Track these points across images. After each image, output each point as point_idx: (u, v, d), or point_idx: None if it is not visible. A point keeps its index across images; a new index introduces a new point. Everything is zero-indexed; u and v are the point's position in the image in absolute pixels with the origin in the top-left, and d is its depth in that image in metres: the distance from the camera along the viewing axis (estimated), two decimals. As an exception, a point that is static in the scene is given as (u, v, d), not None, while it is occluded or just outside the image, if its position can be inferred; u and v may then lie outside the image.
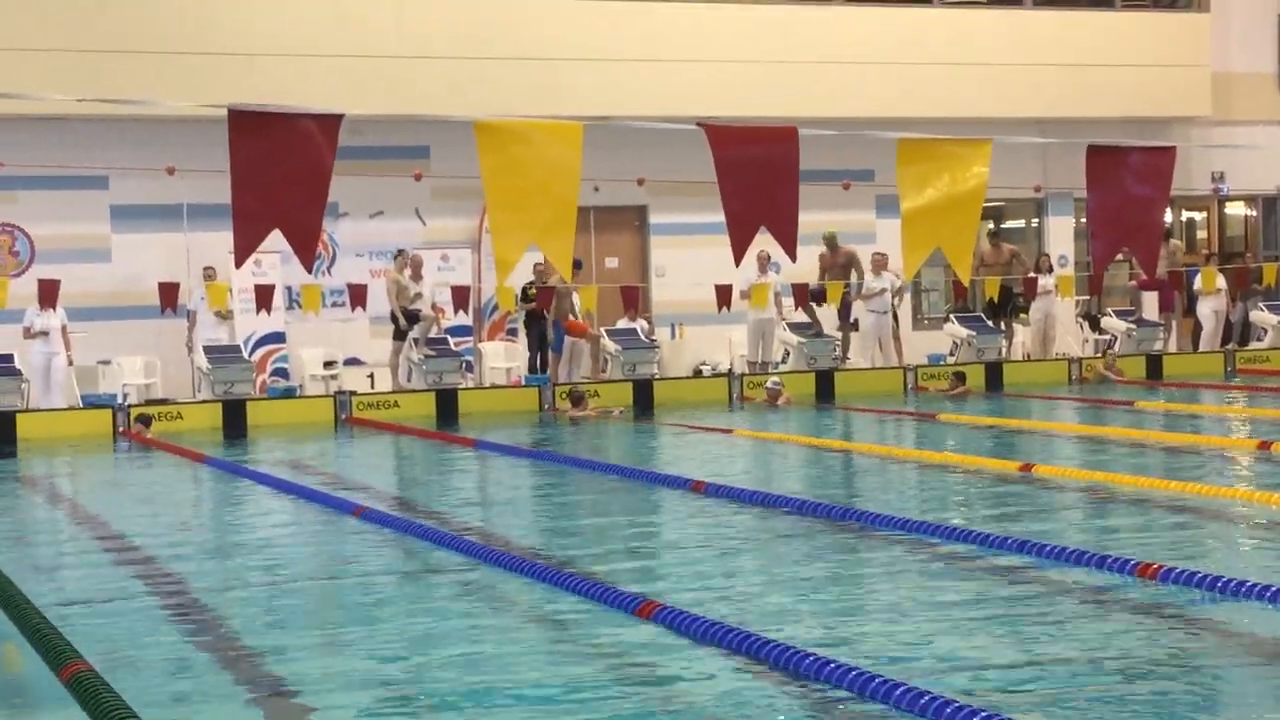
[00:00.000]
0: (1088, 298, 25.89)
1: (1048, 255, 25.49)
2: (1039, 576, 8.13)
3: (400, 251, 21.91)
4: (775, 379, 21.07)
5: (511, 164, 7.38)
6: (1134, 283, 24.85)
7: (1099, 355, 23.67)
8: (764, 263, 22.52)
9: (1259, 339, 25.40)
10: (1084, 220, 26.02)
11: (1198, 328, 25.42)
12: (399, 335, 21.52)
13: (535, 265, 21.98)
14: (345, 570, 9.31)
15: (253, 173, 6.94)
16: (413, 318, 21.41)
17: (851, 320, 23.91)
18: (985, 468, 12.96)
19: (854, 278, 23.28)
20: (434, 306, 21.80)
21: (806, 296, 22.73)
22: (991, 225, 25.50)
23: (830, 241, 23.30)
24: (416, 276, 21.66)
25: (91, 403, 20.16)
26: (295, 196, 6.99)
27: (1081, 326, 25.56)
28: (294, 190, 7.00)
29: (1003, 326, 24.23)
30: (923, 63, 24.34)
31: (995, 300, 23.87)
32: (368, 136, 20.95)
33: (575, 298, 22.22)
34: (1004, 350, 23.95)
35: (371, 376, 22.26)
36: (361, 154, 20.32)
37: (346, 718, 5.90)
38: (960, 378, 21.77)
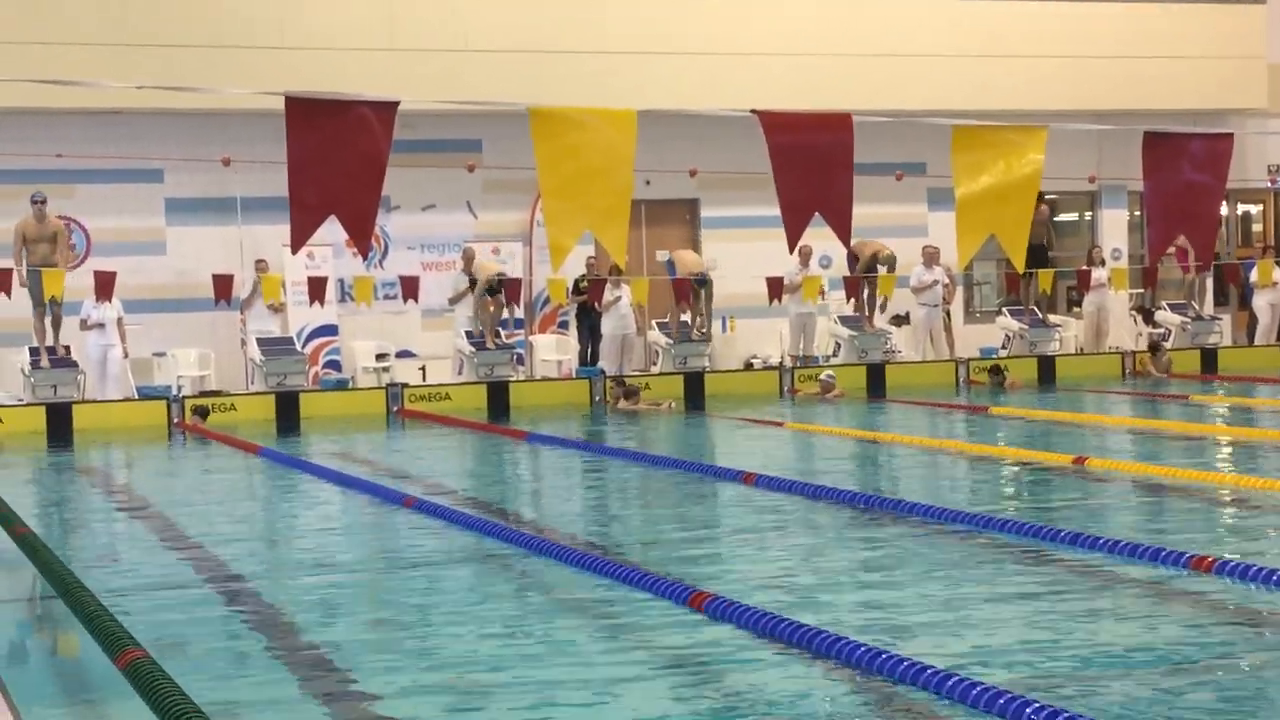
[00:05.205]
0: (1142, 291, 25.71)
1: (1100, 248, 25.33)
2: (1091, 570, 8.07)
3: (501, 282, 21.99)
4: (829, 372, 21.01)
5: (566, 151, 7.38)
6: (1183, 266, 24.53)
7: (1149, 349, 23.40)
8: (806, 256, 22.41)
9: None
10: (1138, 213, 25.85)
11: (1253, 321, 25.18)
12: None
13: (587, 258, 22.01)
14: (396, 560, 9.34)
15: (309, 160, 6.97)
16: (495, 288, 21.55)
17: (904, 314, 23.85)
18: (1037, 460, 12.89)
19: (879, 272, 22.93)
20: (499, 275, 21.75)
21: (858, 288, 22.64)
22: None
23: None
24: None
25: (146, 394, 20.31)
26: (351, 184, 7.02)
27: (1135, 320, 25.36)
28: (350, 178, 7.03)
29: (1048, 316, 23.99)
30: (976, 55, 24.25)
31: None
32: (419, 130, 21.01)
33: (625, 289, 22.15)
34: (1058, 343, 23.75)
35: (423, 369, 22.34)
36: (414, 147, 20.37)
37: (399, 705, 5.92)
38: (996, 371, 21.51)
